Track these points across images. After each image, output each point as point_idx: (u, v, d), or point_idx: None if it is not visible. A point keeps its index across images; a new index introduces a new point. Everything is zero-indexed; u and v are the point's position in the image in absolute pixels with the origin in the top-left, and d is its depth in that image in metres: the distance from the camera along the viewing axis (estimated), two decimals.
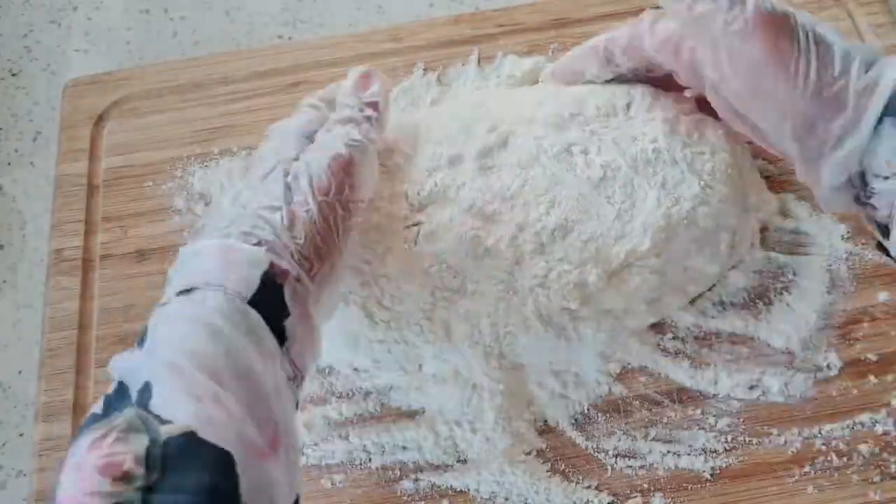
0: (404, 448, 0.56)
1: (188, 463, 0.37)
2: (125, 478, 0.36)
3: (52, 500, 0.37)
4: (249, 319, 0.43)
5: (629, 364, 0.58)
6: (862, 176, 0.48)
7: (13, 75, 0.79)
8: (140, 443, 0.37)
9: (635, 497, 0.54)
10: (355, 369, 0.59)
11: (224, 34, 0.79)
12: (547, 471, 0.55)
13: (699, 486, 0.54)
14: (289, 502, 0.42)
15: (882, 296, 0.59)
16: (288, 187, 0.49)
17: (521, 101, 0.64)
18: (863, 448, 0.54)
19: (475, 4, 0.79)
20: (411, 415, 0.57)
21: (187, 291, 0.44)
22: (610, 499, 0.54)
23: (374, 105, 0.55)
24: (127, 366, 0.42)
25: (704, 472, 0.54)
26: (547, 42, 0.72)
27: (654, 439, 0.56)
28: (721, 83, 0.52)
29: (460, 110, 0.64)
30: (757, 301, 0.60)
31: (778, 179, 0.64)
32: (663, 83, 0.60)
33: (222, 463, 0.38)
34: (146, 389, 0.40)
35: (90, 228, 0.66)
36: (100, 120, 0.71)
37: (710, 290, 0.60)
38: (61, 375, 0.60)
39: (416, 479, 0.55)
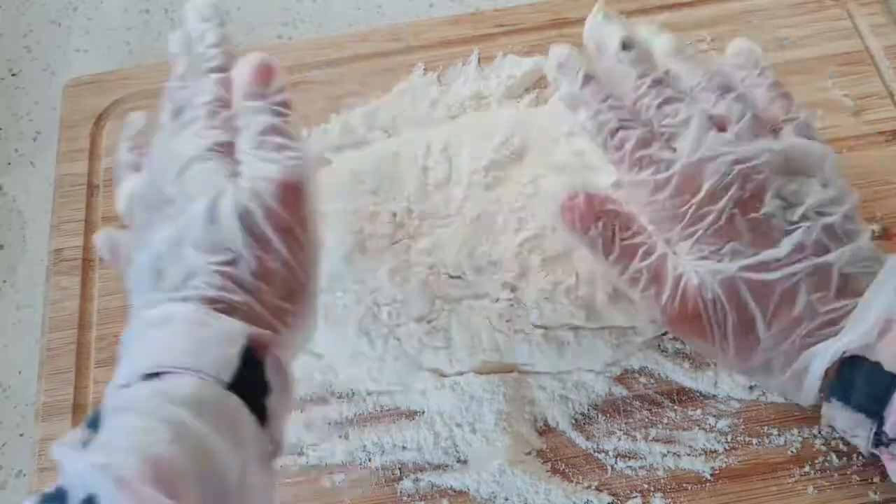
0: (404, 448, 0.56)
1: None
2: None
3: None
4: (228, 408, 0.39)
5: (629, 365, 0.58)
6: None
7: (13, 75, 0.79)
8: None
9: (635, 497, 0.54)
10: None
11: None
12: (547, 471, 0.55)
13: (699, 486, 0.54)
14: None
15: None
16: (243, 229, 0.43)
17: (533, 114, 0.64)
18: (863, 449, 0.54)
19: (475, 4, 0.79)
20: (411, 415, 0.57)
21: (153, 375, 0.39)
22: (610, 499, 0.54)
23: (284, 104, 0.47)
24: (72, 468, 0.36)
25: (704, 472, 0.54)
26: (547, 42, 0.72)
27: (654, 440, 0.55)
28: None
29: (465, 125, 0.64)
30: None
31: None
32: None
33: None
34: (90, 502, 0.34)
35: (90, 228, 0.66)
36: (100, 120, 0.71)
37: None
38: (61, 375, 0.60)
39: (416, 479, 0.55)
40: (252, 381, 0.40)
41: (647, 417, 0.56)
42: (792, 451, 0.54)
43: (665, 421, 0.56)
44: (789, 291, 0.46)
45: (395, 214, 0.59)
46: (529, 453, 0.56)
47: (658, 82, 0.49)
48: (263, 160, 0.45)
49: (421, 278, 0.57)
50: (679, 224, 0.47)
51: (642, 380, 0.58)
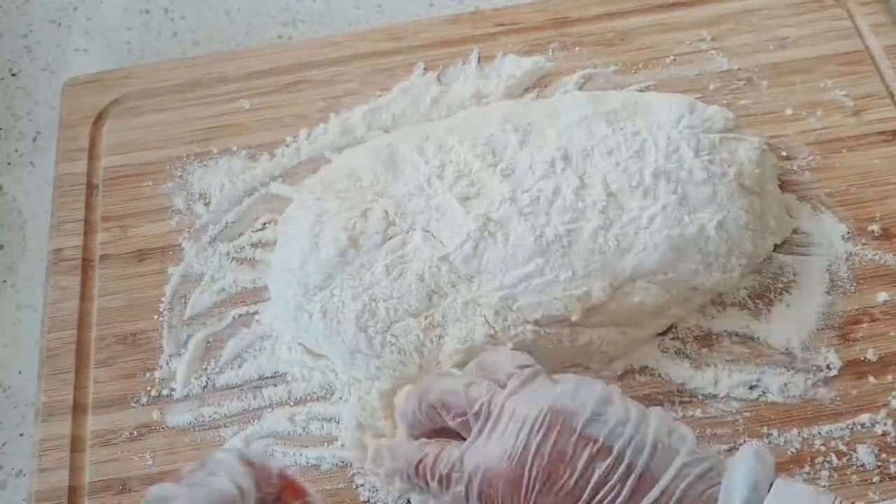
0: None
1: None
2: None
3: None
4: None
5: (629, 364, 0.58)
6: None
7: (13, 75, 0.79)
8: None
9: None
10: None
11: (224, 34, 0.79)
12: None
13: None
14: None
15: (882, 296, 0.59)
16: None
17: (533, 109, 0.64)
18: (862, 449, 0.54)
19: (475, 4, 0.79)
20: None
21: None
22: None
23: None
24: None
25: None
26: (547, 41, 0.72)
27: None
28: None
29: (457, 123, 0.64)
30: (757, 301, 0.60)
31: (780, 180, 0.64)
32: None
33: None
34: None
35: (90, 228, 0.66)
36: (99, 119, 0.71)
37: None
38: (61, 375, 0.60)
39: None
40: None
41: None
42: (792, 451, 0.54)
43: None
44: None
45: (386, 212, 0.59)
46: None
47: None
48: None
49: (417, 274, 0.57)
50: None
51: (642, 379, 0.58)
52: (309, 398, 0.59)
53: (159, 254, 0.65)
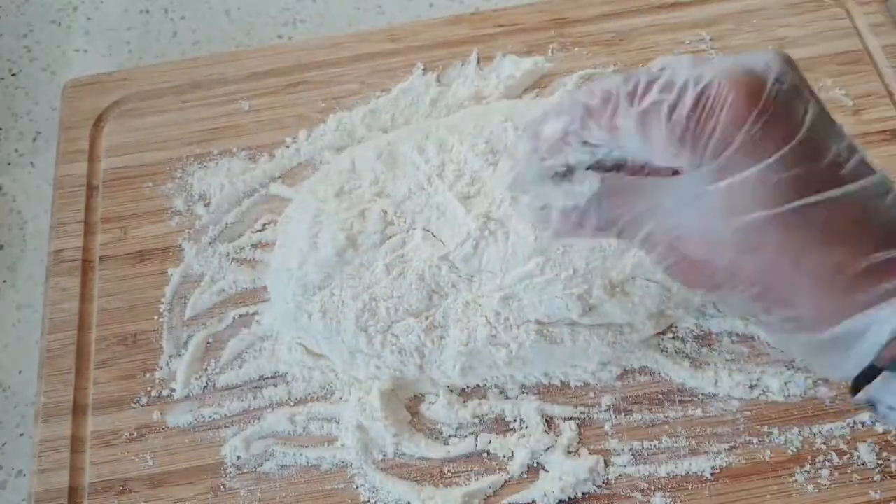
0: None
1: None
2: None
3: None
4: None
5: (630, 364, 0.58)
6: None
7: (13, 75, 0.79)
8: None
9: (635, 497, 0.54)
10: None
11: (224, 34, 0.79)
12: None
13: (699, 485, 0.54)
14: None
15: None
16: None
17: (533, 107, 0.64)
18: (863, 447, 0.54)
19: (475, 4, 0.79)
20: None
21: None
22: (610, 498, 0.54)
23: None
24: None
25: (704, 471, 0.54)
26: (546, 42, 0.72)
27: (654, 439, 0.56)
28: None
29: (454, 122, 0.64)
30: None
31: None
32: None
33: None
34: None
35: (90, 229, 0.66)
36: (99, 121, 0.71)
37: None
38: (61, 376, 0.60)
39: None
40: None
41: (648, 417, 0.56)
42: (792, 451, 0.54)
43: (665, 420, 0.56)
44: (836, 223, 0.37)
45: (385, 212, 0.59)
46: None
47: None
48: None
49: (418, 273, 0.57)
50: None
51: (642, 379, 0.58)
52: (309, 398, 0.59)
53: (159, 255, 0.65)
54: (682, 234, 0.38)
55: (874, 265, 0.37)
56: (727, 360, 0.58)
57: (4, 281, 0.68)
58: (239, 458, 0.57)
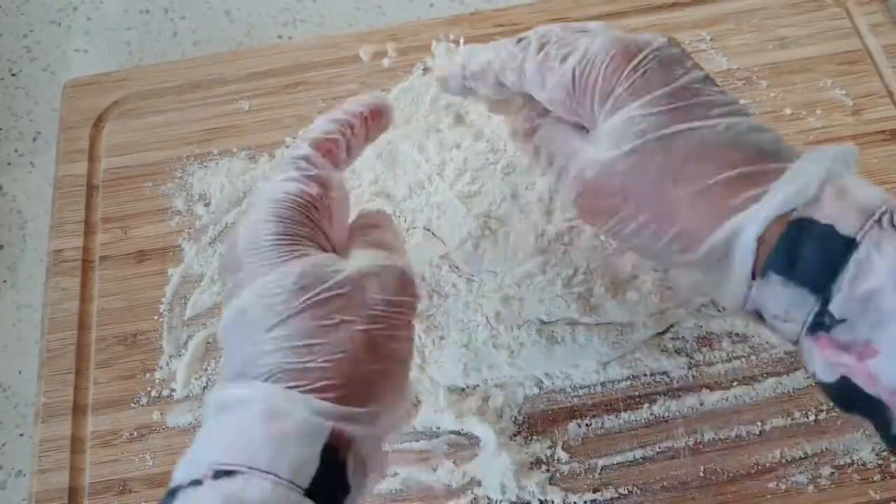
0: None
1: None
2: None
3: None
4: None
5: (630, 364, 0.58)
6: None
7: (13, 75, 0.79)
8: None
9: (635, 496, 0.54)
10: None
11: (224, 34, 0.79)
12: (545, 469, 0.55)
13: (699, 485, 0.54)
14: None
15: None
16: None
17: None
18: (863, 448, 0.54)
19: (475, 4, 0.79)
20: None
21: (226, 474, 0.36)
22: (610, 497, 0.54)
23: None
24: None
25: (704, 471, 0.54)
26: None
27: (654, 439, 0.55)
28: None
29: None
30: None
31: None
32: None
33: None
34: None
35: (90, 229, 0.66)
36: (99, 121, 0.71)
37: None
38: (61, 376, 0.60)
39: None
40: (331, 483, 0.37)
41: (648, 417, 0.56)
42: (792, 450, 0.54)
43: (665, 419, 0.56)
44: (708, 144, 0.40)
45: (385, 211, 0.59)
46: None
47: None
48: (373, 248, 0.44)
49: (418, 273, 0.57)
50: (597, 90, 0.43)
51: (642, 379, 0.58)
52: None
53: (159, 255, 0.65)
54: (585, 168, 0.43)
55: (743, 174, 0.39)
56: (727, 361, 0.58)
57: (4, 281, 0.68)
58: None
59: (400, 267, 0.43)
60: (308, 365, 0.38)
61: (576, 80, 0.43)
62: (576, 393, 0.57)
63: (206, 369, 0.60)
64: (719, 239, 0.39)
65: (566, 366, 0.57)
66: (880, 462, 0.54)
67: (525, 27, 0.73)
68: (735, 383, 0.57)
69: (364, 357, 0.39)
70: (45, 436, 0.58)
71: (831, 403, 0.44)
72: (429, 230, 0.59)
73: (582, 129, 0.45)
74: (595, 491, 0.54)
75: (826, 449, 0.54)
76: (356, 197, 0.61)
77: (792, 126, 0.67)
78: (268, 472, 0.35)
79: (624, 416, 0.56)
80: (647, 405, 0.57)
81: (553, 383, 0.57)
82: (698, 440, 0.55)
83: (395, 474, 0.55)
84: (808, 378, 0.56)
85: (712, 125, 0.40)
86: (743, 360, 0.58)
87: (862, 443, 0.54)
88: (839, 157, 0.39)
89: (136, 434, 0.58)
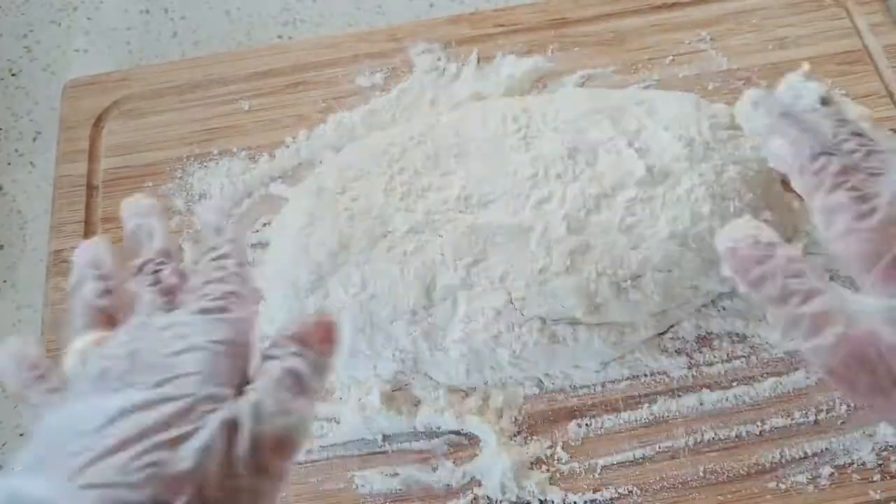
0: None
1: None
2: None
3: None
4: None
5: (631, 364, 0.58)
6: None
7: (13, 75, 0.79)
8: None
9: (635, 496, 0.54)
10: None
11: (224, 34, 0.79)
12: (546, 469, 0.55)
13: (699, 485, 0.54)
14: None
15: None
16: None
17: (535, 106, 0.64)
18: (863, 448, 0.54)
19: (475, 4, 0.79)
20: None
21: None
22: (610, 497, 0.54)
23: (327, 347, 0.40)
24: None
25: (704, 471, 0.54)
26: (546, 42, 0.72)
27: (654, 438, 0.56)
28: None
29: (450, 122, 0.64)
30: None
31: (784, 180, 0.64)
32: None
33: None
34: None
35: (90, 229, 0.66)
36: (99, 121, 0.71)
37: None
38: None
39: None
40: None
41: (647, 417, 0.56)
42: (792, 450, 0.54)
43: (665, 419, 0.56)
44: None
45: (384, 212, 0.59)
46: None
47: (858, 134, 0.45)
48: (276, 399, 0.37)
49: (418, 273, 0.57)
50: (877, 259, 0.40)
51: (642, 379, 0.58)
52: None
53: None
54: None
55: None
56: (727, 361, 0.58)
57: (4, 281, 0.68)
58: None
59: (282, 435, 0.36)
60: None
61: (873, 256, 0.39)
62: (576, 393, 0.57)
63: None
64: None
65: (567, 366, 0.57)
66: (880, 462, 0.54)
67: (525, 27, 0.73)
68: (735, 383, 0.57)
69: None
70: None
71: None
72: (429, 230, 0.59)
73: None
74: (595, 491, 0.54)
75: (826, 449, 0.54)
76: (355, 197, 0.61)
77: None
78: None
79: (624, 416, 0.56)
80: (646, 405, 0.57)
81: (553, 383, 0.57)
82: (698, 440, 0.55)
83: (396, 474, 0.55)
84: (807, 378, 0.56)
85: None
86: (743, 360, 0.58)
87: (862, 443, 0.54)
88: None
89: None
